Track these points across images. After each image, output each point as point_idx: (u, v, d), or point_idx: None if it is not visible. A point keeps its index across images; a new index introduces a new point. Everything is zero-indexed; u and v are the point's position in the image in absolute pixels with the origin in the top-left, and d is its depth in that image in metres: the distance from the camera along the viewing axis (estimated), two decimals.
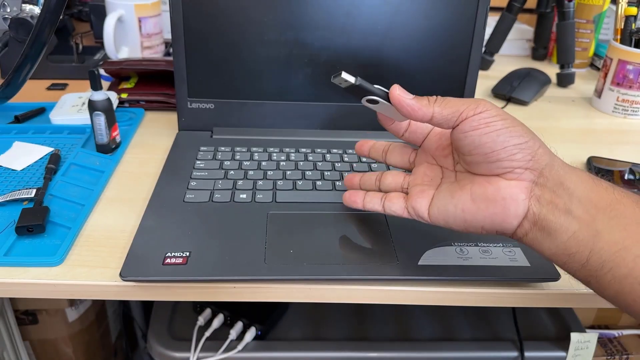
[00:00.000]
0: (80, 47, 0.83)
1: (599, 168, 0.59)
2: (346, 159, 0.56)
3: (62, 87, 0.75)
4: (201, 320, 0.61)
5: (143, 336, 0.94)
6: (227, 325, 0.60)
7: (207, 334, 0.59)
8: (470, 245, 0.43)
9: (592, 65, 0.97)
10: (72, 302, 0.80)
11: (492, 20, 0.83)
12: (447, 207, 0.36)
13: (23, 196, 0.47)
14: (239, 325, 0.59)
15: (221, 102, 0.59)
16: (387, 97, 0.36)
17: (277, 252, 0.41)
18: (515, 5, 0.87)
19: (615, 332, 0.81)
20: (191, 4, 0.55)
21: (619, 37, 0.75)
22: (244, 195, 0.49)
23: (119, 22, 0.79)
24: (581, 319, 0.67)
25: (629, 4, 0.75)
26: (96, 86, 0.53)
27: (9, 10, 0.66)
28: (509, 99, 0.79)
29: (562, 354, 0.61)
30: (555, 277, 0.41)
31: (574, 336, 0.61)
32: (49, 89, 0.75)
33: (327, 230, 0.44)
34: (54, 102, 0.66)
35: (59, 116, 0.63)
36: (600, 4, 0.90)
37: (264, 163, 0.54)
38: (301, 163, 0.54)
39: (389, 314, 0.65)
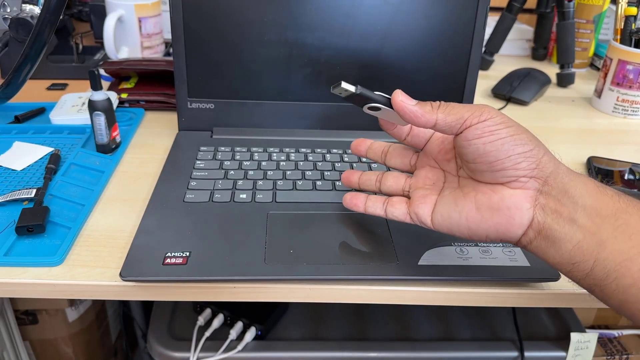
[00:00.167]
0: (80, 47, 0.83)
1: (599, 168, 0.59)
2: (346, 159, 0.56)
3: (62, 87, 0.76)
4: (201, 320, 0.60)
5: (143, 336, 0.94)
6: (227, 325, 0.60)
7: (207, 334, 0.59)
8: (470, 245, 0.43)
9: (592, 65, 0.97)
10: (72, 302, 0.80)
11: (492, 20, 0.83)
12: (450, 214, 0.35)
13: (23, 196, 0.47)
14: (239, 325, 0.59)
15: (221, 102, 0.59)
16: (389, 104, 0.36)
17: (277, 252, 0.41)
18: (515, 5, 0.87)
19: (615, 332, 0.81)
20: (191, 4, 0.55)
21: (618, 37, 0.75)
22: (244, 195, 0.49)
23: (119, 22, 0.79)
24: (581, 319, 0.67)
25: (629, 4, 0.75)
26: (96, 86, 0.53)
27: (9, 10, 0.66)
28: (508, 99, 0.79)
29: (562, 354, 0.61)
30: (555, 277, 0.41)
31: (574, 336, 0.61)
32: (49, 89, 0.75)
33: (327, 230, 0.44)
34: (54, 102, 0.66)
35: (59, 116, 0.63)
36: (600, 4, 0.90)
37: (264, 163, 0.54)
38: (301, 163, 0.54)
39: (389, 314, 0.65)
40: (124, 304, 0.95)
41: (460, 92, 0.61)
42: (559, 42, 0.86)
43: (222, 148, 0.56)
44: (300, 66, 0.58)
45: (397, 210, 0.38)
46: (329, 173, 0.53)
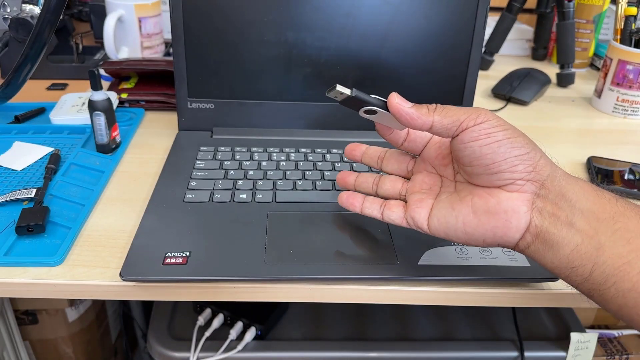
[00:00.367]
0: (80, 47, 0.83)
1: (599, 168, 0.59)
2: (346, 159, 0.56)
3: (62, 87, 0.76)
4: (201, 320, 0.60)
5: (143, 336, 0.94)
6: (227, 325, 0.60)
7: (207, 334, 0.59)
8: (470, 245, 0.43)
9: (592, 65, 0.97)
10: (72, 302, 0.80)
11: (492, 20, 0.83)
12: (447, 219, 0.35)
13: (23, 196, 0.47)
14: (239, 325, 0.59)
15: (221, 102, 0.59)
16: (385, 106, 0.35)
17: (277, 252, 0.41)
18: (515, 5, 0.87)
19: (615, 332, 0.80)
20: (191, 4, 0.55)
21: (618, 37, 0.75)
22: (244, 195, 0.49)
23: (119, 22, 0.79)
24: (581, 319, 0.67)
25: (629, 4, 0.75)
26: (96, 86, 0.53)
27: (9, 10, 0.66)
28: (508, 99, 0.79)
29: (562, 354, 0.61)
30: (555, 277, 0.41)
31: (574, 336, 0.61)
32: (49, 89, 0.75)
33: (327, 230, 0.45)
34: (54, 102, 0.66)
35: (59, 116, 0.63)
36: (600, 4, 0.90)
37: (264, 163, 0.54)
38: (301, 163, 0.54)
39: (389, 314, 0.65)
40: (124, 304, 0.95)
41: (461, 92, 0.61)
42: (559, 42, 0.86)
43: (222, 148, 0.56)
44: (300, 66, 0.58)
45: (394, 214, 0.38)
46: (329, 173, 0.53)
